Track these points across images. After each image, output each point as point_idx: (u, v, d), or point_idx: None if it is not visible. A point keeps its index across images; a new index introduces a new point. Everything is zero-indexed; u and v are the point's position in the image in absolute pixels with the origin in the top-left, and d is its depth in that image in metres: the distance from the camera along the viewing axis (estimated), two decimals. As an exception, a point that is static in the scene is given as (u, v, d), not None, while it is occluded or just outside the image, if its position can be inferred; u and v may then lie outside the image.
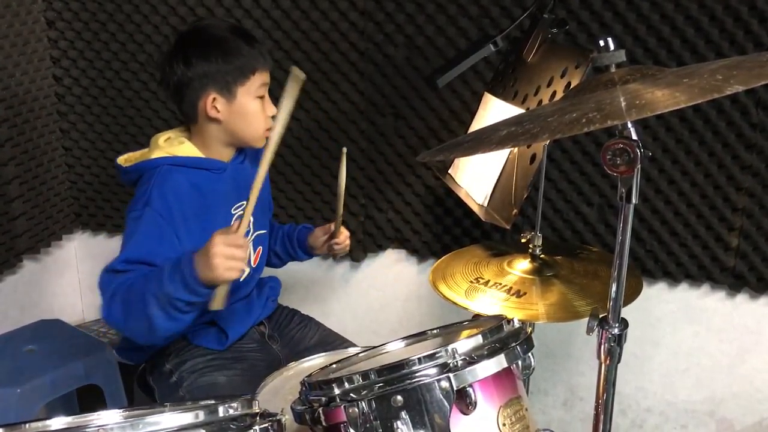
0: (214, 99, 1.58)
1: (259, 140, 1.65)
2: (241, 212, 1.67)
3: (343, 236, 1.85)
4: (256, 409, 1.03)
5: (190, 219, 1.58)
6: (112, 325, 1.48)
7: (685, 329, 2.18)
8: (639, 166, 1.06)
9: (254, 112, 1.62)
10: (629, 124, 1.06)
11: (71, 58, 2.39)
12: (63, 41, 2.37)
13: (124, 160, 1.67)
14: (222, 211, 1.66)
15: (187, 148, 1.63)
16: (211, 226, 1.59)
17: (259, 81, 1.61)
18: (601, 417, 1.26)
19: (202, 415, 0.97)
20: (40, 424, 1.02)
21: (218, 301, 1.39)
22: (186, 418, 0.96)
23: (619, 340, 1.19)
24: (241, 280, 1.71)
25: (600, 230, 2.12)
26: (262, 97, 1.63)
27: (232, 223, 1.66)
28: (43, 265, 2.51)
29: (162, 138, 1.66)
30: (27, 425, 1.02)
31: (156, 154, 1.61)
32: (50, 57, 2.38)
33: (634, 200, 1.11)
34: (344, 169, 1.77)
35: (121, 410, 1.07)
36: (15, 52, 2.23)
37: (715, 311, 2.14)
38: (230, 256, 1.35)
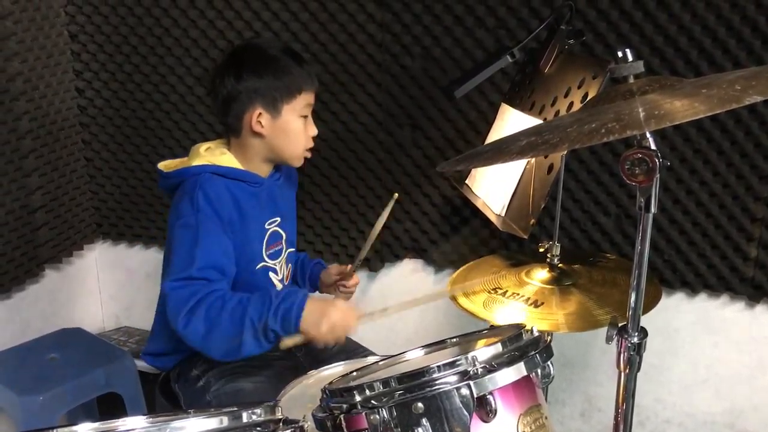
0: (260, 114, 1.62)
1: (297, 159, 1.70)
2: (275, 228, 1.73)
3: (353, 282, 1.88)
4: (279, 415, 1.05)
5: (231, 229, 1.60)
6: (187, 338, 1.48)
7: (704, 340, 2.17)
8: (658, 175, 1.07)
9: (297, 131, 1.66)
10: (648, 134, 1.07)
11: (93, 70, 2.43)
12: (85, 54, 2.41)
13: (164, 166, 1.70)
14: (256, 224, 1.69)
15: (227, 159, 1.67)
16: (247, 239, 1.65)
17: (304, 101, 1.65)
18: (621, 427, 1.26)
19: (226, 421, 0.98)
20: (67, 430, 1.04)
21: (287, 344, 1.44)
22: (210, 423, 0.97)
23: (639, 348, 1.19)
24: None
25: (617, 240, 2.12)
26: (305, 117, 1.67)
27: (266, 240, 1.69)
28: (64, 275, 2.55)
29: (203, 147, 1.70)
30: (54, 431, 1.03)
31: (197, 162, 1.64)
32: (73, 70, 2.43)
33: (653, 210, 1.12)
34: (386, 214, 1.80)
35: (146, 416, 1.08)
36: (39, 65, 2.28)
37: (734, 322, 2.13)
38: (338, 330, 1.43)
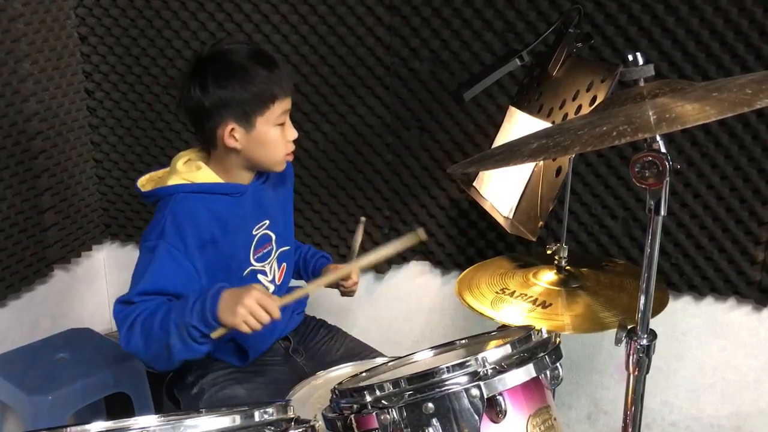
0: (233, 129, 1.54)
1: (278, 165, 1.63)
2: (264, 232, 1.68)
3: (351, 282, 1.78)
4: (291, 414, 1.05)
5: (207, 245, 1.56)
6: (133, 353, 1.49)
7: (711, 343, 2.18)
8: (668, 178, 1.07)
9: (274, 140, 1.58)
10: (658, 138, 1.08)
11: (103, 72, 2.44)
12: (95, 56, 2.43)
13: (144, 180, 1.66)
14: (243, 233, 1.65)
15: (204, 174, 1.59)
16: (231, 250, 1.61)
17: (279, 110, 1.56)
18: (629, 430, 1.26)
19: (238, 420, 0.99)
20: (80, 428, 1.04)
21: (215, 334, 1.43)
22: (223, 422, 0.98)
23: (648, 351, 1.20)
24: None
25: (625, 243, 2.13)
26: (282, 124, 1.59)
27: (253, 245, 1.66)
28: (73, 275, 2.56)
29: (181, 161, 1.63)
30: (68, 429, 1.04)
31: (173, 180, 1.59)
32: (82, 71, 2.44)
33: (662, 213, 1.12)
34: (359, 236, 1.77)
35: (158, 415, 1.09)
36: (49, 66, 2.29)
37: (742, 325, 2.13)
38: (256, 314, 1.40)
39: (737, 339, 2.14)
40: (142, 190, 1.64)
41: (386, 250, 1.64)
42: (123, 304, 1.50)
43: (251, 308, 1.39)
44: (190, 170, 1.60)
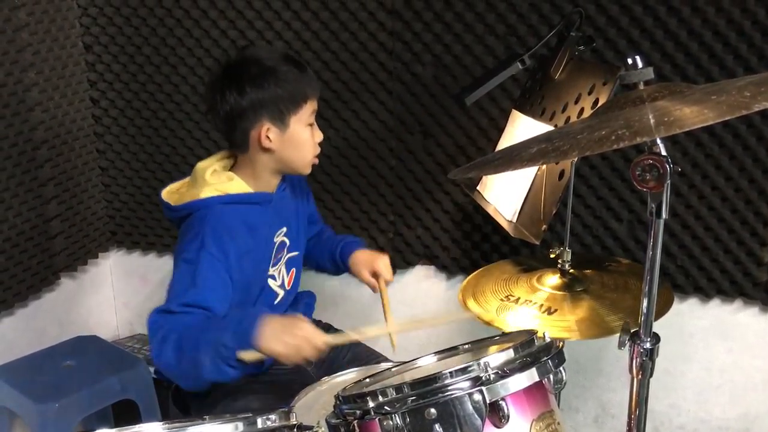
0: (268, 129, 1.57)
1: (307, 167, 1.66)
2: (282, 239, 1.70)
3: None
4: (293, 421, 1.06)
5: (244, 256, 1.58)
6: (162, 368, 1.45)
7: (717, 345, 2.17)
8: (669, 181, 1.07)
9: (305, 140, 1.62)
10: (658, 140, 1.07)
11: (108, 80, 2.46)
12: (100, 64, 2.44)
13: (168, 194, 1.65)
14: (266, 240, 1.66)
15: (236, 185, 1.61)
16: (257, 256, 1.63)
17: (310, 108, 1.61)
18: (634, 433, 1.26)
19: (241, 427, 1.00)
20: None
21: (247, 357, 1.40)
22: (226, 429, 0.99)
23: (651, 354, 1.20)
24: (275, 303, 1.73)
25: (630, 246, 2.12)
26: (311, 125, 1.63)
27: (274, 252, 1.68)
28: (79, 283, 2.57)
29: (208, 172, 1.62)
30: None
31: (206, 193, 1.58)
32: (87, 80, 2.46)
33: (664, 215, 1.12)
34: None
35: (162, 423, 1.09)
36: (54, 75, 2.31)
37: (748, 327, 2.12)
38: (303, 349, 1.38)
39: (744, 341, 2.13)
40: (171, 204, 1.62)
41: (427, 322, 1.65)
42: (161, 314, 1.47)
43: (301, 344, 1.37)
44: (222, 181, 1.61)
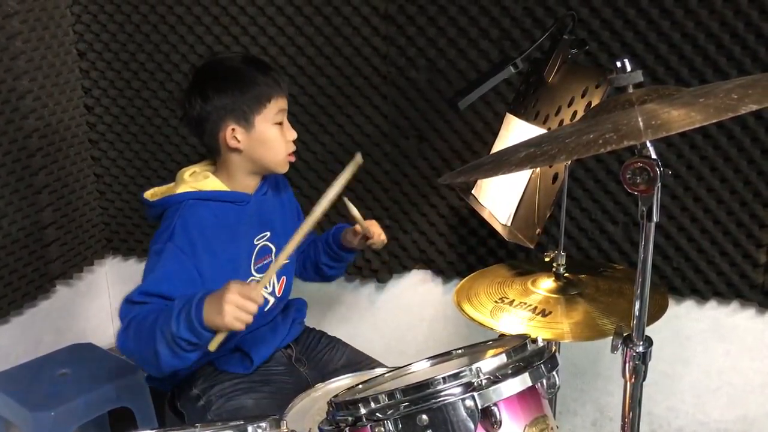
0: (233, 129, 1.61)
1: (281, 165, 1.68)
2: (264, 243, 1.71)
3: (376, 236, 1.83)
4: (284, 428, 1.05)
5: (214, 251, 1.60)
6: (125, 355, 1.51)
7: (715, 348, 2.16)
8: (659, 184, 1.07)
9: (274, 138, 1.65)
10: (648, 144, 1.07)
11: (102, 87, 2.46)
12: (94, 72, 2.44)
13: (150, 194, 1.69)
14: (245, 242, 1.69)
15: (211, 183, 1.66)
16: (235, 257, 1.65)
17: (275, 108, 1.63)
18: (629, 436, 1.26)
19: (231, 435, 0.99)
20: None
21: (214, 345, 1.41)
22: (216, 437, 0.98)
23: (644, 358, 1.19)
24: (265, 310, 1.73)
25: (626, 249, 2.11)
26: (280, 123, 1.65)
27: (254, 255, 1.69)
28: (75, 290, 2.57)
29: (187, 173, 1.69)
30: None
31: (181, 189, 1.64)
32: (81, 87, 2.46)
33: (655, 218, 1.12)
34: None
35: (155, 430, 1.09)
36: (48, 83, 2.31)
37: (746, 329, 2.11)
38: (242, 306, 1.38)
39: (742, 343, 2.13)
40: (150, 200, 1.67)
41: (335, 187, 1.60)
42: (125, 303, 1.52)
43: (235, 302, 1.37)
44: (197, 180, 1.67)
